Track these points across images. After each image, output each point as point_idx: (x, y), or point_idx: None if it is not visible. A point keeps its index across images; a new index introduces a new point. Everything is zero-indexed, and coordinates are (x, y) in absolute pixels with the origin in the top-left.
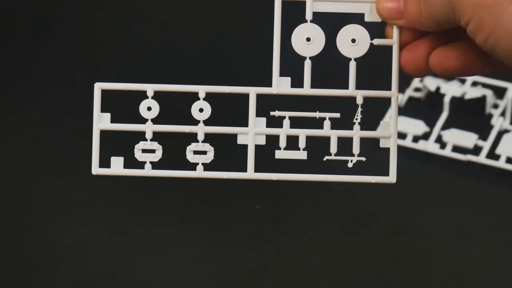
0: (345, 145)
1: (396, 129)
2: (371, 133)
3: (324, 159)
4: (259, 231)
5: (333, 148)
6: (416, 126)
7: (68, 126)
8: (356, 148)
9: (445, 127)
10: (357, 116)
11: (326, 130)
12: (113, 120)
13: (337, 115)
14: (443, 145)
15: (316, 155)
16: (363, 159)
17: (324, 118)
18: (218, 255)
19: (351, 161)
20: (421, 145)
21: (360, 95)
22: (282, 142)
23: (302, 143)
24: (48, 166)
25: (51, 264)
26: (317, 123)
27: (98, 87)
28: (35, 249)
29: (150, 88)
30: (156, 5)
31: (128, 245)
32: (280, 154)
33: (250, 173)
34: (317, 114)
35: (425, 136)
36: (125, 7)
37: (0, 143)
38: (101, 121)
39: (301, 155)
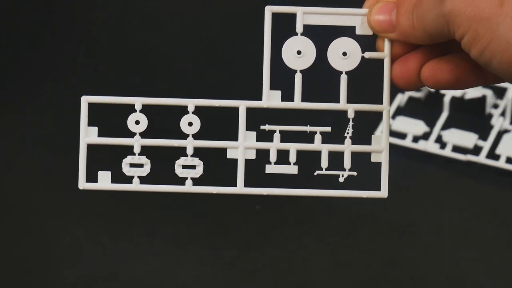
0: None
1: (388, 143)
2: (363, 147)
3: (315, 173)
4: (259, 231)
5: (324, 162)
6: (416, 126)
7: (68, 126)
8: (347, 163)
9: (445, 127)
10: (348, 130)
11: (317, 144)
12: (100, 134)
13: (328, 129)
14: (443, 145)
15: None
16: (355, 173)
17: (315, 132)
18: (218, 255)
19: (342, 175)
20: (421, 145)
21: (351, 109)
22: (273, 156)
23: (292, 157)
24: (48, 166)
25: (51, 264)
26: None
27: (85, 100)
28: (35, 249)
29: (138, 102)
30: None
31: (128, 246)
32: (270, 169)
33: (240, 188)
34: (308, 128)
35: (425, 136)
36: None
37: (0, 143)
38: (88, 135)
39: (292, 169)
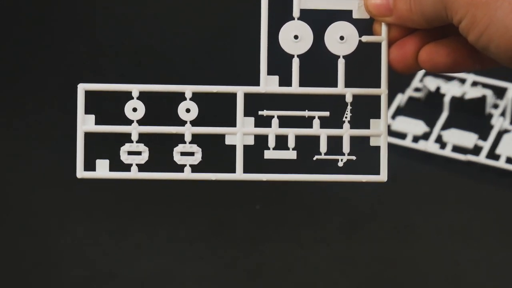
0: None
1: (386, 127)
2: (361, 131)
3: (314, 158)
4: (259, 231)
5: (323, 147)
6: (416, 126)
7: (68, 126)
8: (346, 147)
9: (445, 127)
10: (346, 114)
11: (316, 129)
12: (97, 122)
13: (327, 113)
14: (443, 145)
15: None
16: (354, 158)
17: (314, 117)
18: (218, 255)
19: (342, 160)
20: (421, 145)
21: (349, 93)
22: (271, 142)
23: (291, 142)
24: (48, 166)
25: (51, 264)
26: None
27: (82, 88)
28: (35, 249)
29: (135, 89)
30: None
31: (128, 245)
32: (269, 154)
33: (239, 174)
34: (306, 113)
35: (425, 136)
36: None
37: (0, 143)
38: (86, 123)
39: (291, 155)
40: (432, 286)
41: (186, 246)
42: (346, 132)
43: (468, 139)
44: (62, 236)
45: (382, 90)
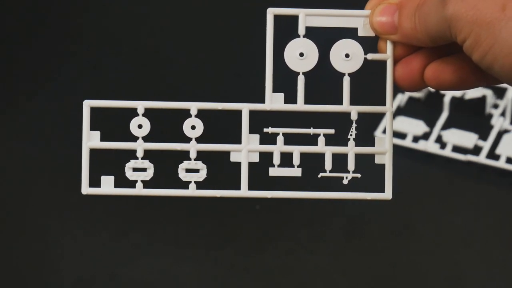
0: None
1: (391, 145)
2: (366, 149)
3: (319, 176)
4: (259, 231)
5: (328, 164)
6: (416, 126)
7: (68, 125)
8: (351, 165)
9: (445, 127)
10: (351, 132)
11: (321, 147)
12: (103, 138)
13: (332, 131)
14: (443, 145)
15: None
16: (358, 175)
17: (319, 134)
18: (218, 255)
19: (346, 177)
20: (421, 145)
21: (354, 111)
22: (276, 159)
23: (296, 160)
24: (48, 166)
25: (51, 264)
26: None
27: (87, 104)
28: (35, 249)
29: (140, 105)
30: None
31: (128, 246)
32: (274, 172)
33: (244, 191)
34: (311, 131)
35: (425, 136)
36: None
37: (1, 143)
38: (91, 139)
39: (296, 172)
40: (432, 286)
41: (186, 246)
42: (351, 149)
43: (468, 139)
44: (62, 236)
45: (387, 108)
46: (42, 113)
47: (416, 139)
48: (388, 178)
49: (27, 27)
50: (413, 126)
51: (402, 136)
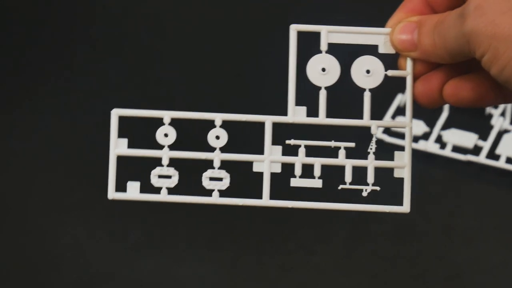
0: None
1: (410, 159)
2: (386, 163)
3: (339, 187)
4: (260, 231)
5: (348, 177)
6: (416, 126)
7: (68, 125)
8: (370, 178)
9: (445, 127)
10: (371, 145)
11: (341, 159)
12: (130, 145)
13: (352, 144)
14: (443, 145)
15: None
16: (378, 188)
17: (339, 147)
18: (218, 255)
19: (366, 190)
20: (421, 145)
21: (374, 125)
22: (298, 170)
23: (317, 171)
24: (48, 166)
25: (51, 264)
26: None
27: (115, 113)
28: (35, 249)
29: (167, 115)
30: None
31: (127, 246)
32: (295, 182)
33: (266, 200)
34: (332, 143)
35: (425, 136)
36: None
37: (0, 142)
38: (118, 147)
39: (316, 183)
40: (432, 286)
41: (186, 246)
42: (370, 163)
43: (468, 139)
44: (62, 236)
45: (407, 123)
46: (42, 113)
47: (416, 139)
48: (406, 192)
49: (31, 28)
50: (413, 126)
51: (402, 136)
